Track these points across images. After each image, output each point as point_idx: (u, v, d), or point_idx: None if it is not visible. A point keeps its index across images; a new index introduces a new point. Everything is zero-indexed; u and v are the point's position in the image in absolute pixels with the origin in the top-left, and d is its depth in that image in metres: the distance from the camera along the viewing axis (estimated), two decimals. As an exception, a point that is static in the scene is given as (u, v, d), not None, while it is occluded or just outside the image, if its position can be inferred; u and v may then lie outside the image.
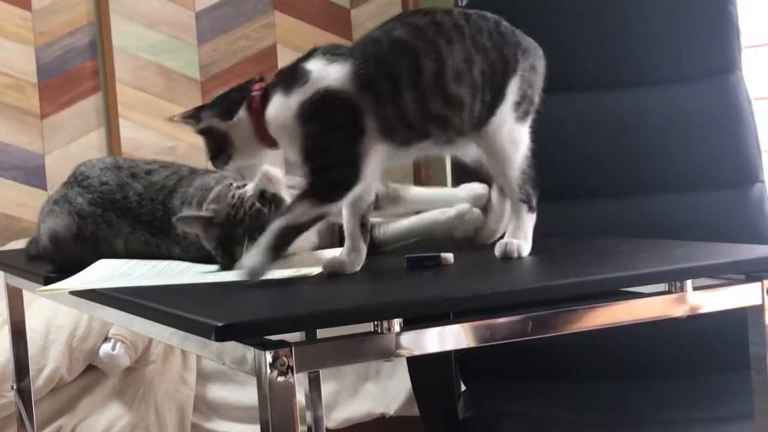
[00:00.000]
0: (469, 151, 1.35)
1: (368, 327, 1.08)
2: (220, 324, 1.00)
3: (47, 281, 1.55)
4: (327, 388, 2.91)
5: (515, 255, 1.33)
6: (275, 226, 1.22)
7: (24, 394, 2.13)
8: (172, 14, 4.04)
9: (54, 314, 2.65)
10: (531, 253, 1.34)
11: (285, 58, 3.95)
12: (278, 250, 1.22)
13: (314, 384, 2.43)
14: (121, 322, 1.39)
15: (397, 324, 1.07)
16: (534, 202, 1.35)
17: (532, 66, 1.34)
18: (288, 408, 1.01)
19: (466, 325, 1.11)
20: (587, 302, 1.18)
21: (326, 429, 2.58)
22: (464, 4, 2.08)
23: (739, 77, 2.01)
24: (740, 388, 1.41)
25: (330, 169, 1.23)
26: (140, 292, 1.27)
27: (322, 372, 2.47)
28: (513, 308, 1.13)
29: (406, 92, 1.24)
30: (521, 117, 1.32)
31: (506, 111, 1.31)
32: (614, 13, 2.07)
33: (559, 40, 2.07)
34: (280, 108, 1.26)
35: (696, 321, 1.28)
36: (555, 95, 2.06)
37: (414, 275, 1.30)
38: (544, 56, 1.37)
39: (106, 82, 3.93)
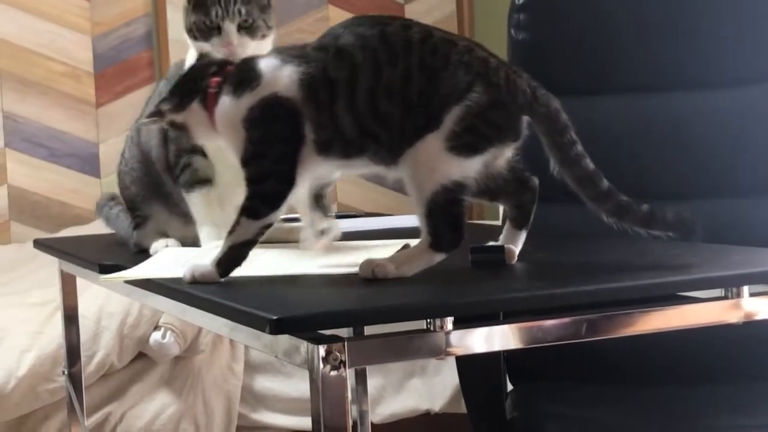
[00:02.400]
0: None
1: (419, 324, 1.08)
2: (275, 317, 1.01)
3: (102, 269, 1.57)
4: (372, 383, 2.92)
5: (370, 275, 1.22)
6: (226, 244, 1.25)
7: (75, 379, 2.16)
8: (227, 7, 4.06)
9: (106, 301, 2.68)
10: (583, 255, 1.33)
11: (338, 53, 3.96)
12: (230, 266, 1.26)
13: (360, 378, 2.44)
14: (173, 311, 1.40)
15: (449, 322, 1.07)
16: (443, 242, 1.22)
17: (499, 103, 1.22)
18: (339, 402, 1.01)
19: (519, 325, 1.11)
20: (641, 306, 1.17)
21: (371, 423, 2.58)
22: (520, 3, 2.08)
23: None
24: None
25: (265, 179, 1.25)
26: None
27: (368, 367, 2.48)
28: (566, 309, 1.13)
29: (340, 103, 1.23)
30: (456, 149, 1.20)
31: (436, 137, 1.21)
32: (672, 15, 2.05)
33: (614, 42, 2.06)
34: (229, 109, 1.27)
35: (748, 327, 1.26)
36: (606, 96, 2.08)
37: (467, 273, 1.29)
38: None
39: (161, 72, 3.97)
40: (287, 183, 1.25)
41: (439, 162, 1.21)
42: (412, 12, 4.32)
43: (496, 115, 1.23)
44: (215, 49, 1.52)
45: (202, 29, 1.56)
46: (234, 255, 1.25)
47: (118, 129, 3.93)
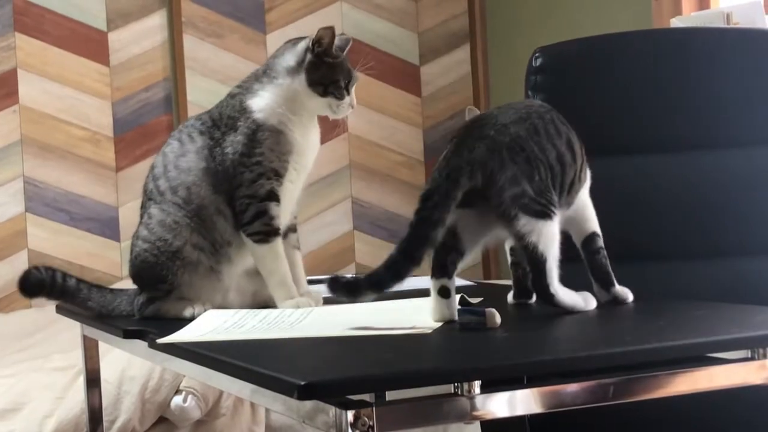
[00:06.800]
0: None
1: (446, 388, 1.08)
2: (303, 382, 1.01)
3: (126, 334, 1.58)
4: (394, 445, 2.89)
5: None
6: None
7: (97, 445, 2.15)
8: (245, 71, 4.05)
9: (128, 365, 2.68)
10: (610, 316, 1.33)
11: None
12: None
13: (381, 440, 2.42)
14: (200, 377, 1.41)
15: (477, 386, 1.07)
16: None
17: None
18: (367, 467, 1.01)
19: (545, 389, 1.11)
20: (667, 368, 1.17)
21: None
22: (537, 65, 2.10)
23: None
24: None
25: None
26: (225, 348, 1.29)
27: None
28: (592, 372, 1.13)
29: None
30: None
31: None
32: (698, 75, 2.05)
33: (631, 102, 2.07)
34: None
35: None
36: (624, 156, 2.08)
37: (490, 335, 1.29)
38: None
39: (180, 136, 4.00)
40: None
41: None
42: (427, 73, 4.35)
43: None
44: (340, 108, 1.72)
45: (340, 88, 1.71)
46: None
47: (137, 192, 3.92)
